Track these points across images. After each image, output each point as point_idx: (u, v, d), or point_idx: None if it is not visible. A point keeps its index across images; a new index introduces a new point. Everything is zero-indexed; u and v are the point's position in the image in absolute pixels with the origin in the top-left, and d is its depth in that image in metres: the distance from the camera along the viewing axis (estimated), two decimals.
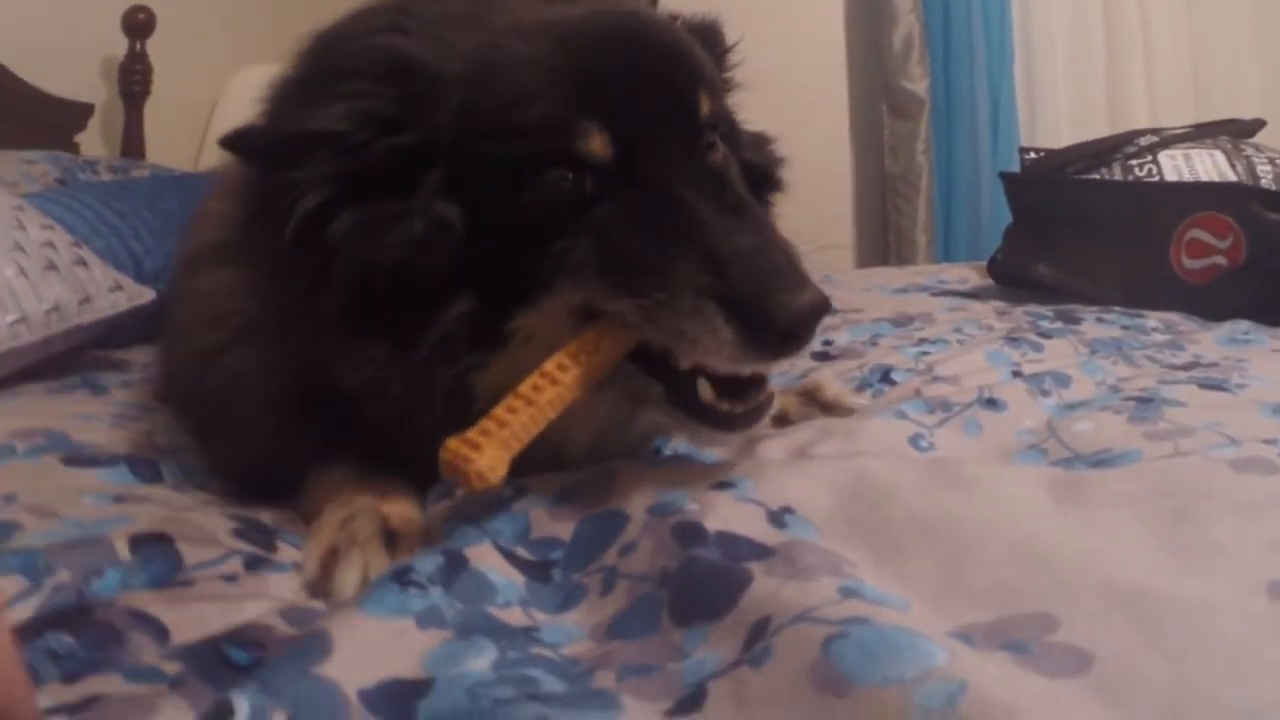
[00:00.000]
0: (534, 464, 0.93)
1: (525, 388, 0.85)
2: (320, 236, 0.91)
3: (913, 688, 0.53)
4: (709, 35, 1.16)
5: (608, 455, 1.02)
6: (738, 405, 0.92)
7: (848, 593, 0.64)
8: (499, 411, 0.83)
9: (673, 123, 0.95)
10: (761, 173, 1.18)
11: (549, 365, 0.86)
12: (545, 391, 0.85)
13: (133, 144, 3.50)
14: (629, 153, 0.91)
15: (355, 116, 0.90)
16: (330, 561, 0.85)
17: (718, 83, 1.06)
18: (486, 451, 0.80)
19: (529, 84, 0.91)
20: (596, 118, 0.90)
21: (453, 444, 0.80)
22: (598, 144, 0.90)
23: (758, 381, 0.92)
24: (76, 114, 3.34)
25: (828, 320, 1.97)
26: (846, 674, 0.55)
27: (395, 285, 0.91)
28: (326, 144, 0.90)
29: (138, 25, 3.47)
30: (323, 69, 0.98)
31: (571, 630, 0.73)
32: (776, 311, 0.82)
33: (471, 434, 0.81)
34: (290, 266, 0.95)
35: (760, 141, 1.22)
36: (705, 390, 0.91)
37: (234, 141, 0.94)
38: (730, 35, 1.20)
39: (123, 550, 0.82)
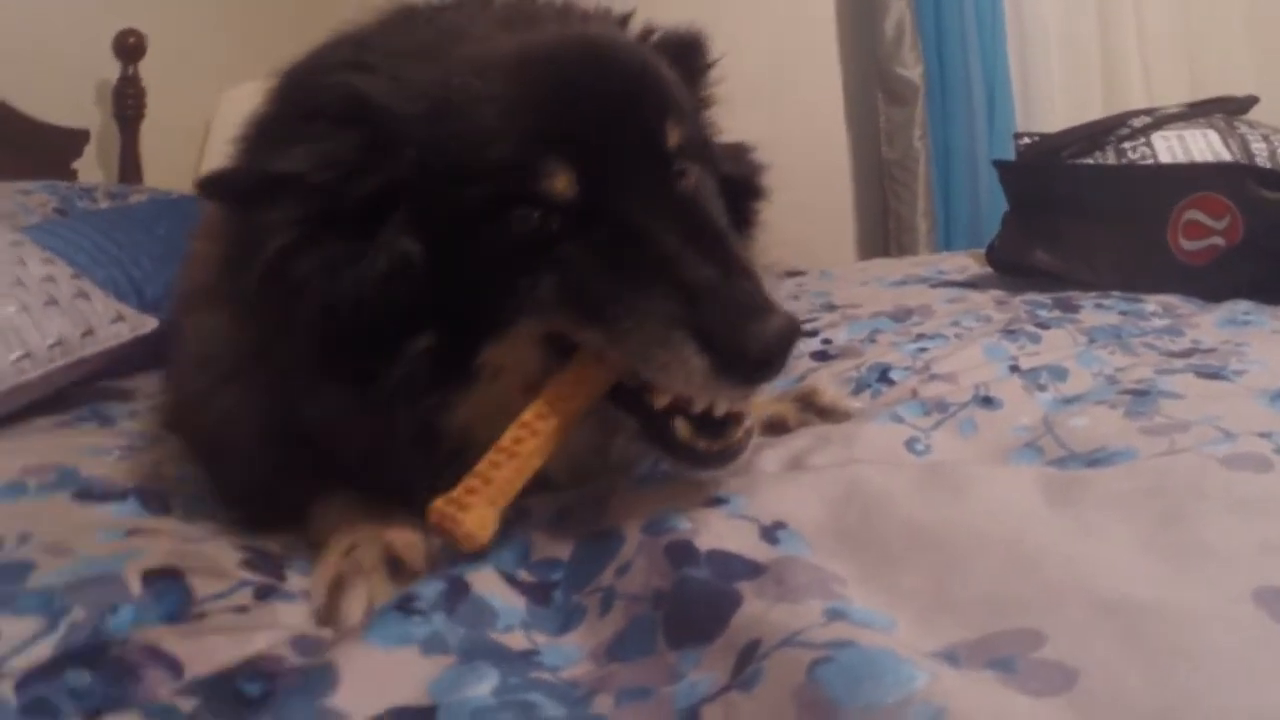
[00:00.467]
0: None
1: (506, 440, 0.85)
2: (287, 277, 0.91)
3: (895, 712, 0.54)
4: (688, 50, 1.15)
5: (590, 479, 1.02)
6: (714, 443, 0.91)
7: (834, 614, 0.65)
8: (482, 467, 0.83)
9: (639, 155, 0.93)
10: (742, 184, 1.17)
11: (528, 415, 0.87)
12: (526, 443, 0.85)
13: (129, 168, 3.51)
14: (594, 188, 0.90)
15: (317, 159, 0.90)
16: (336, 590, 0.87)
17: (687, 108, 1.04)
18: (474, 511, 0.81)
19: (489, 123, 0.90)
20: (560, 156, 0.89)
21: (440, 505, 0.81)
22: (562, 183, 0.89)
23: (735, 417, 0.91)
24: (73, 141, 3.35)
25: (825, 317, 2.01)
26: (832, 699, 0.56)
27: (357, 324, 0.91)
28: (291, 186, 0.90)
29: (129, 49, 3.48)
30: (288, 109, 0.99)
31: (572, 652, 0.74)
32: (748, 340, 0.81)
33: (457, 493, 0.82)
34: (262, 307, 0.96)
35: (739, 152, 1.21)
36: (681, 428, 0.90)
37: (208, 185, 0.95)
38: (711, 48, 1.18)
39: (135, 586, 0.83)
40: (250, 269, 0.92)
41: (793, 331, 0.84)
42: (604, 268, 0.88)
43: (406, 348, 0.91)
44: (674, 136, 0.96)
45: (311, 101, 0.95)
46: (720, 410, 0.89)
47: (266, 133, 0.99)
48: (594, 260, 0.89)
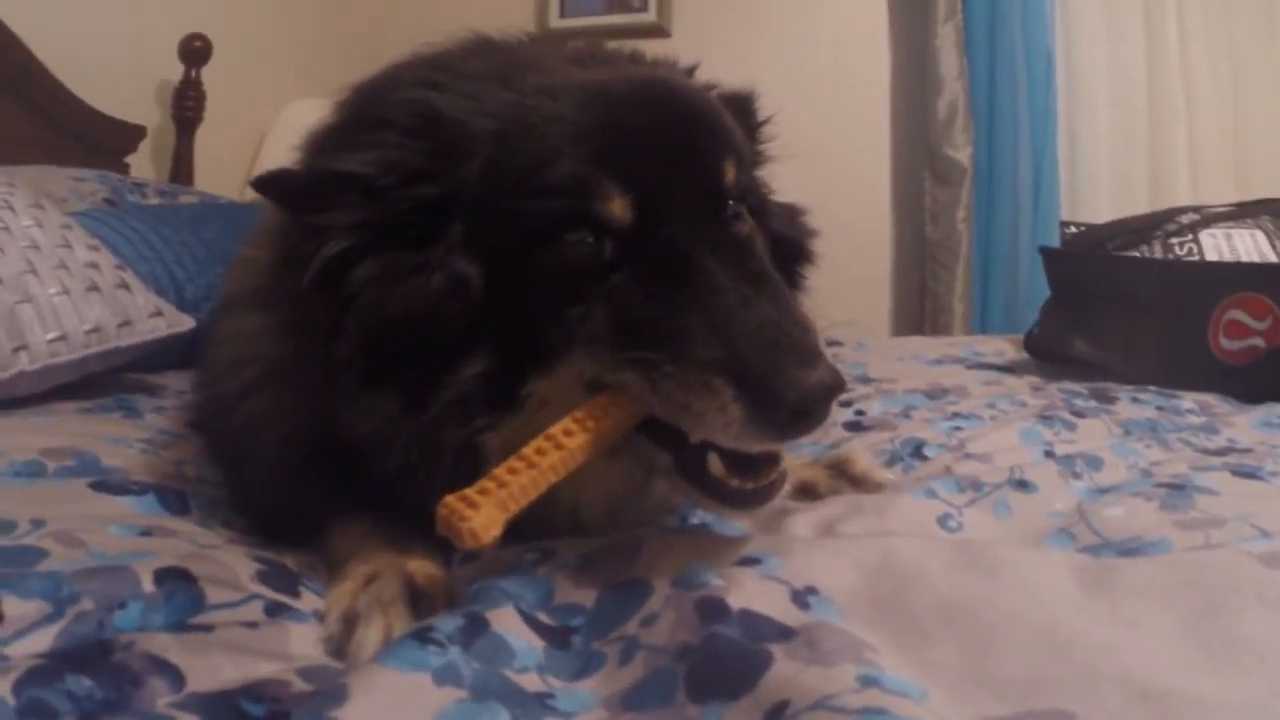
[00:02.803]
0: (551, 530, 0.93)
1: (529, 450, 0.84)
2: (341, 284, 0.92)
3: None
4: (742, 107, 1.16)
5: (624, 523, 1.01)
6: (748, 482, 0.89)
7: (867, 681, 0.63)
8: (500, 471, 0.83)
9: (696, 189, 0.93)
10: (792, 245, 1.17)
11: (555, 429, 0.86)
12: (549, 455, 0.84)
13: (182, 169, 3.56)
14: (650, 217, 0.90)
15: (383, 164, 0.91)
16: (353, 621, 0.84)
17: (745, 152, 1.04)
18: (483, 510, 0.79)
19: (554, 144, 0.91)
20: (617, 181, 0.89)
21: (450, 500, 0.80)
22: (618, 207, 0.89)
23: (771, 457, 0.90)
24: (129, 135, 3.40)
25: (860, 389, 2.00)
26: None
27: (409, 338, 0.91)
28: (353, 188, 0.91)
29: (194, 52, 3.54)
30: (357, 118, 0.99)
31: (586, 698, 0.72)
32: (786, 388, 0.79)
33: (470, 492, 0.81)
34: (311, 312, 0.96)
35: (791, 213, 1.21)
36: (715, 465, 0.89)
37: (265, 184, 0.95)
38: (764, 109, 1.20)
39: (147, 584, 0.82)
40: (303, 270, 0.92)
41: (836, 385, 0.81)
42: (652, 299, 0.88)
43: (459, 370, 0.91)
44: (731, 175, 0.96)
45: (381, 113, 0.96)
46: (754, 450, 0.87)
47: (331, 140, 1.00)
48: (643, 292, 0.88)
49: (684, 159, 0.94)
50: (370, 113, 0.98)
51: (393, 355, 0.92)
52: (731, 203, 0.97)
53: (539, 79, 0.96)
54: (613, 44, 1.14)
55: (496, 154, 0.92)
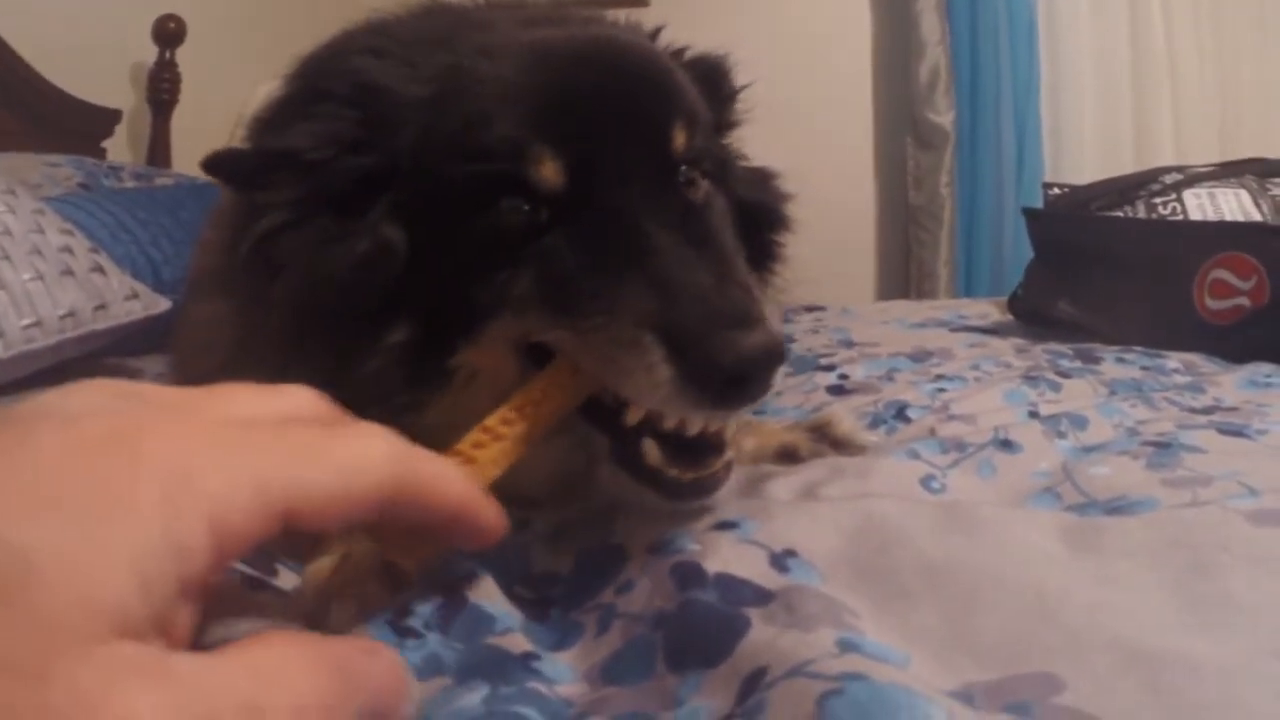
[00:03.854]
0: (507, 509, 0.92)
1: (465, 444, 0.80)
2: (275, 258, 0.90)
3: None
4: (712, 71, 1.13)
5: (574, 503, 0.98)
6: (687, 471, 0.83)
7: (847, 646, 0.62)
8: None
9: (639, 152, 0.89)
10: (763, 211, 1.14)
11: (491, 420, 0.81)
12: (487, 449, 0.80)
13: (158, 151, 3.53)
14: (586, 181, 0.86)
15: (317, 135, 0.89)
16: (327, 596, 0.82)
17: (700, 116, 0.99)
18: None
19: (487, 106, 0.87)
20: (549, 143, 0.85)
21: None
22: (549, 170, 0.85)
23: (713, 447, 0.85)
24: (104, 119, 3.37)
25: (843, 353, 1.99)
26: None
27: (334, 307, 0.89)
28: (289, 164, 0.89)
29: (168, 34, 3.50)
30: (300, 92, 0.97)
31: (565, 671, 0.71)
32: (721, 350, 0.73)
33: None
34: (246, 288, 0.95)
35: (762, 177, 1.18)
36: (652, 452, 0.83)
37: (212, 164, 0.94)
38: (737, 75, 1.16)
39: None
40: (244, 245, 0.91)
41: (775, 350, 0.76)
42: (585, 259, 0.83)
43: (381, 340, 0.89)
44: (680, 139, 0.92)
45: (322, 84, 0.94)
46: (693, 430, 0.82)
47: (276, 115, 0.98)
48: (576, 253, 0.84)
49: (627, 121, 0.89)
50: (312, 85, 0.96)
51: (320, 328, 0.89)
52: (684, 168, 0.94)
53: (481, 39, 0.93)
54: (585, 10, 1.12)
55: (430, 119, 0.89)
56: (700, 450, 0.84)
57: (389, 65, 0.92)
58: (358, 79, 0.92)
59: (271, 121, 0.98)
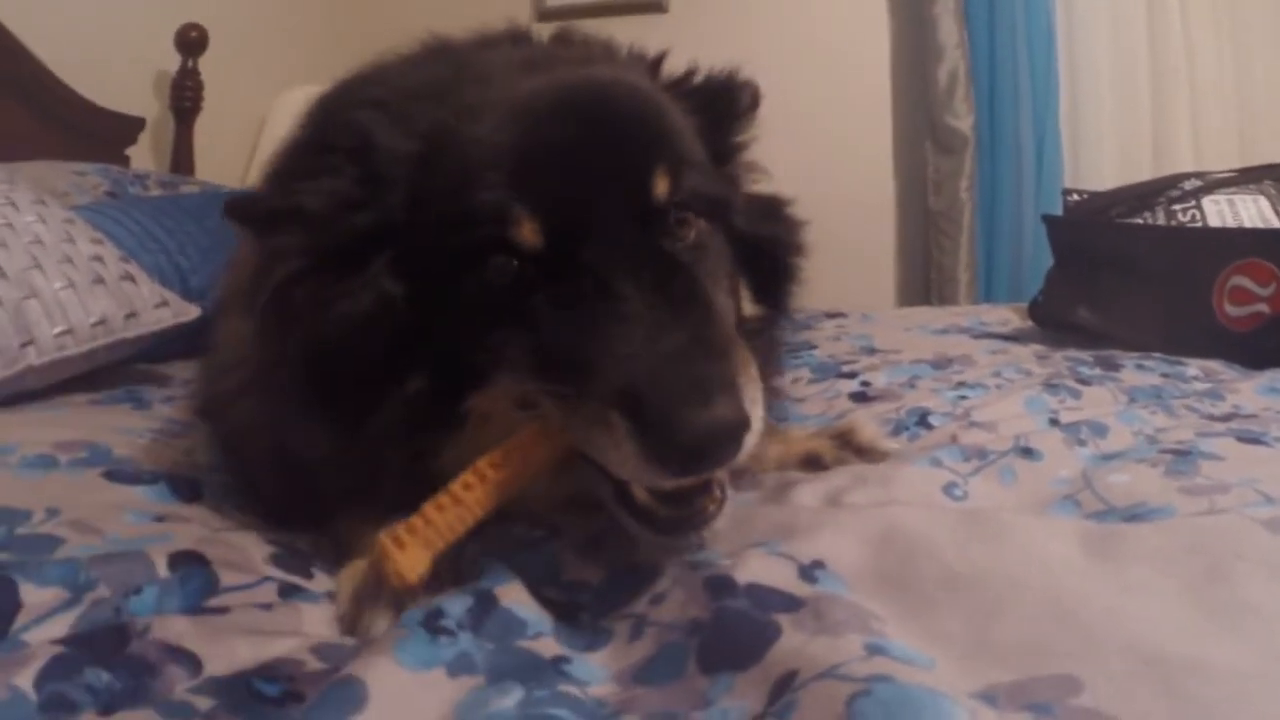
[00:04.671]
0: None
1: (456, 485, 0.84)
2: (288, 308, 0.92)
3: None
4: (719, 96, 1.11)
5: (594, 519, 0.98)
6: (674, 510, 0.85)
7: (874, 650, 0.64)
8: (428, 508, 0.83)
9: (617, 205, 0.89)
10: (775, 244, 1.13)
11: (482, 462, 0.85)
12: (475, 490, 0.84)
13: (182, 159, 3.56)
14: (564, 239, 0.87)
15: (322, 194, 0.91)
16: (361, 601, 0.85)
17: (687, 157, 0.98)
18: (409, 551, 0.80)
19: (471, 168, 0.89)
20: (525, 204, 0.87)
21: (382, 540, 0.81)
22: (527, 231, 0.87)
23: (703, 487, 0.85)
24: (128, 127, 3.40)
25: (865, 360, 2.00)
26: None
27: (343, 362, 0.91)
28: (300, 216, 0.91)
29: (190, 42, 3.53)
30: (311, 139, 1.01)
31: (597, 671, 0.73)
32: (679, 428, 0.74)
33: (400, 531, 0.81)
34: (266, 334, 0.97)
35: (773, 207, 1.16)
36: (640, 492, 0.85)
37: (232, 210, 0.96)
38: (749, 93, 1.13)
39: (162, 568, 0.84)
40: (262, 292, 0.93)
41: (736, 425, 0.77)
42: (565, 327, 0.85)
43: (394, 391, 0.91)
44: (662, 186, 0.92)
45: (327, 137, 0.97)
46: (667, 487, 0.83)
47: (288, 162, 1.02)
48: (559, 318, 0.86)
49: (605, 174, 0.90)
50: (320, 136, 0.99)
51: (331, 380, 0.92)
52: (670, 214, 0.93)
53: (471, 94, 0.94)
54: (601, 30, 1.12)
55: (419, 179, 0.91)
56: (688, 491, 0.85)
57: (384, 120, 0.94)
58: (357, 134, 0.94)
59: (284, 168, 1.01)
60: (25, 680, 0.66)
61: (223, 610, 0.82)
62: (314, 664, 0.73)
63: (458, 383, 0.92)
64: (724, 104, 1.11)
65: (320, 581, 0.93)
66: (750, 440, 0.79)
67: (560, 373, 0.84)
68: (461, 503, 0.83)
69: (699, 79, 1.11)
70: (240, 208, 0.97)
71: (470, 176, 0.88)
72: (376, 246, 0.91)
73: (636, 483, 0.83)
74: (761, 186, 1.17)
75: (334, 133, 0.96)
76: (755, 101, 1.15)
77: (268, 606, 0.84)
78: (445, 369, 0.91)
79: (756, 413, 0.81)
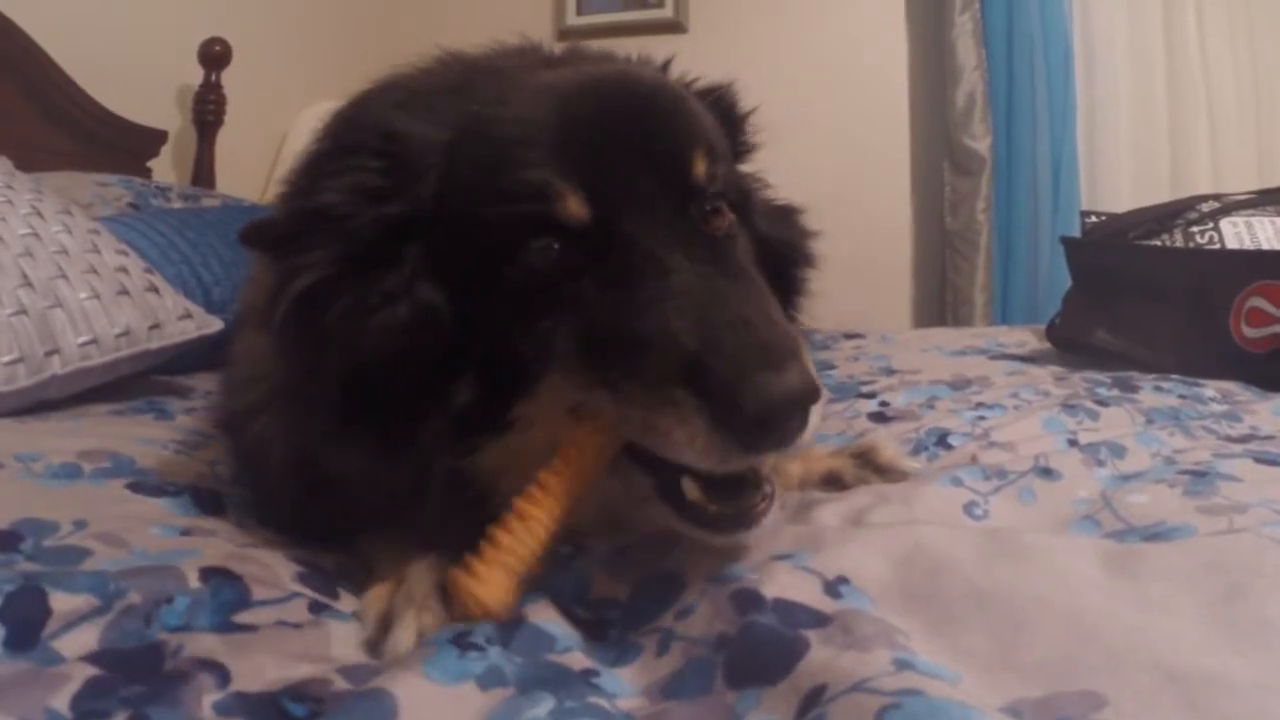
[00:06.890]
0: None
1: (521, 502, 0.82)
2: (315, 319, 0.89)
3: None
4: (720, 102, 1.13)
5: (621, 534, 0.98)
6: (727, 506, 0.83)
7: (902, 664, 0.65)
8: (498, 532, 0.81)
9: (661, 182, 0.88)
10: (785, 247, 1.13)
11: (542, 474, 0.83)
12: (541, 504, 0.82)
13: (203, 172, 3.59)
14: (610, 214, 0.85)
15: (343, 189, 0.89)
16: (388, 621, 0.85)
17: (719, 145, 0.99)
18: (489, 582, 0.79)
19: (506, 148, 0.87)
20: (571, 176, 0.85)
21: (458, 578, 0.80)
22: (573, 204, 0.85)
23: (751, 481, 0.84)
24: (150, 140, 3.44)
25: (884, 381, 2.00)
26: None
27: (387, 377, 0.88)
28: (321, 224, 0.89)
29: (213, 56, 3.57)
30: (329, 147, 0.98)
31: (625, 685, 0.74)
32: (752, 394, 0.72)
33: (476, 564, 0.80)
34: (288, 351, 0.95)
35: (786, 214, 1.17)
36: (690, 489, 0.83)
37: (249, 237, 0.95)
38: (744, 103, 1.16)
39: (193, 580, 0.84)
40: (278, 307, 0.91)
41: (807, 392, 0.75)
42: (619, 308, 0.83)
43: (446, 401, 0.89)
44: (701, 167, 0.92)
45: (349, 139, 0.94)
46: (720, 470, 0.81)
47: (307, 174, 0.98)
48: (608, 299, 0.84)
49: (647, 151, 0.89)
50: (340, 141, 0.96)
51: (372, 392, 0.89)
52: (707, 197, 0.93)
53: (496, 84, 0.94)
54: (620, 46, 1.13)
55: (450, 164, 0.89)
56: (738, 486, 0.83)
57: (409, 113, 0.93)
58: (381, 129, 0.92)
59: (301, 181, 0.98)
60: (61, 702, 0.65)
61: (253, 628, 0.82)
62: (341, 684, 0.73)
63: (505, 387, 0.89)
64: (726, 108, 1.14)
65: (347, 601, 0.93)
66: (815, 417, 0.78)
67: (615, 357, 0.82)
68: (530, 518, 0.81)
69: (701, 84, 1.13)
70: (256, 235, 0.95)
71: (508, 156, 0.87)
72: (407, 242, 0.89)
73: (703, 464, 0.79)
74: (769, 195, 1.19)
75: (355, 135, 0.94)
76: (749, 111, 1.17)
77: (298, 625, 0.84)
78: (492, 374, 0.89)
79: (822, 385, 0.79)
